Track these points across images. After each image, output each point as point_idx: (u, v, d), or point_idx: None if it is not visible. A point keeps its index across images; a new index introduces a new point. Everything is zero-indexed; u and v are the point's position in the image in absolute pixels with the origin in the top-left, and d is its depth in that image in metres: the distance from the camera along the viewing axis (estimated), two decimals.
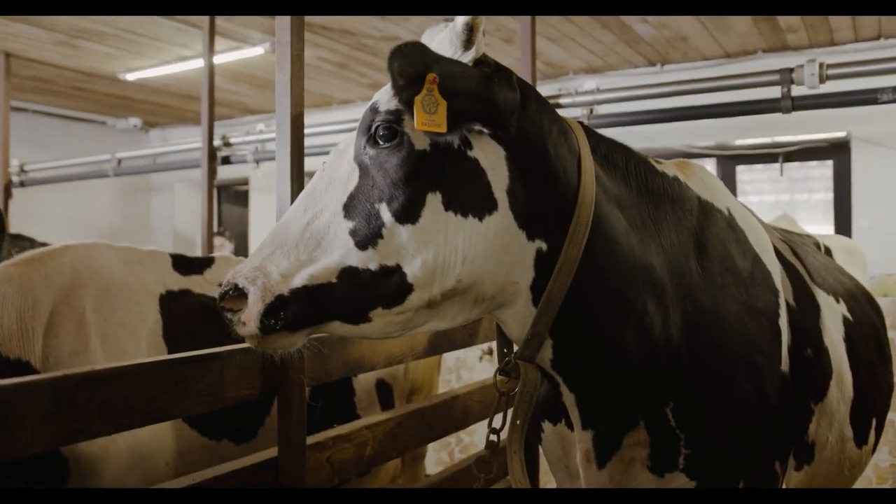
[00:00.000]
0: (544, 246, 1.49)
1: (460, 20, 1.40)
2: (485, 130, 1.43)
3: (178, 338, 2.29)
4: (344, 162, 1.49)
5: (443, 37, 1.48)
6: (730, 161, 5.52)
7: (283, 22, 1.69)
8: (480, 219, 1.42)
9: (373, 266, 1.38)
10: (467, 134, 1.42)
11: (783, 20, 4.41)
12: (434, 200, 1.40)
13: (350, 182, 1.45)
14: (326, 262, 1.38)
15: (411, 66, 1.33)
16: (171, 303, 2.38)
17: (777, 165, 5.29)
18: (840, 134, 4.94)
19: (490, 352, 6.18)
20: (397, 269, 1.38)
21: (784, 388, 1.81)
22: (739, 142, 5.35)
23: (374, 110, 1.45)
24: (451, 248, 1.40)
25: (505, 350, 1.70)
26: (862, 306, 2.48)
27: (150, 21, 4.56)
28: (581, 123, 1.71)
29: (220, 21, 4.54)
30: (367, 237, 1.38)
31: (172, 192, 8.72)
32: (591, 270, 1.52)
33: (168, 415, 1.41)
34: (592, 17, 4.45)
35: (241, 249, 8.51)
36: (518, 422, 1.54)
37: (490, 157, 1.44)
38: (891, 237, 4.67)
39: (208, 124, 4.11)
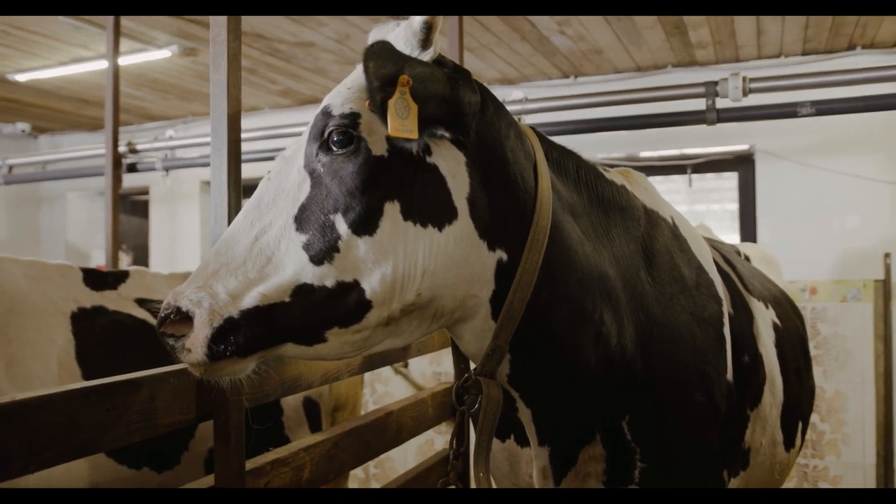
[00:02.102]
0: (505, 256, 1.43)
1: (418, 18, 1.33)
2: (446, 135, 1.36)
3: (93, 360, 2.11)
4: (292, 170, 1.38)
5: (396, 36, 1.40)
6: (640, 172, 5.65)
7: (219, 19, 1.57)
8: (440, 228, 1.35)
9: (329, 283, 1.27)
10: (427, 139, 1.35)
11: (694, 36, 4.55)
12: (392, 210, 1.32)
13: (301, 192, 1.34)
14: (279, 280, 1.27)
15: (385, 67, 1.24)
16: (84, 321, 2.19)
17: (686, 177, 5.46)
18: (744, 147, 5.14)
19: (406, 365, 6.11)
20: (355, 285, 1.29)
21: (730, 396, 1.82)
22: (646, 154, 5.50)
23: (326, 114, 1.35)
24: (411, 261, 1.32)
25: (462, 366, 1.63)
26: (787, 312, 2.56)
27: (47, 18, 4.26)
28: (533, 128, 1.67)
29: (125, 21, 4.29)
30: (323, 251, 1.28)
31: (64, 203, 8.21)
32: (550, 280, 1.47)
33: (97, 447, 1.26)
34: (511, 28, 4.47)
35: (141, 262, 8.11)
36: (483, 443, 1.47)
37: (450, 163, 1.38)
38: (792, 246, 4.90)
39: (113, 130, 3.86)
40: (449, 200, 1.36)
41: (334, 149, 1.32)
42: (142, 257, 8.19)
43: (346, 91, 1.37)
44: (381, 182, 1.31)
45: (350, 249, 1.28)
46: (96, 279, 2.36)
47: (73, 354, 2.10)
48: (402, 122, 1.25)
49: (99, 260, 8.48)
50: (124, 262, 8.18)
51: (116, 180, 3.90)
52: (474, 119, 1.40)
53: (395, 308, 1.33)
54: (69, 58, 5.24)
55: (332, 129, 1.32)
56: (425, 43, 1.35)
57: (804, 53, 4.98)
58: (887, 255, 4.71)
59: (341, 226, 1.29)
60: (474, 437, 1.52)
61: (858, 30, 4.50)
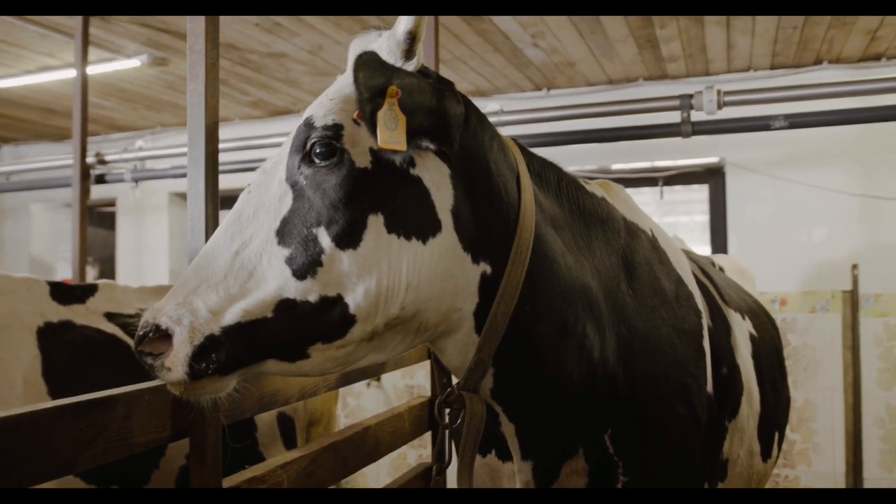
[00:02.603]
0: (489, 269, 1.41)
1: (401, 28, 1.31)
2: (431, 147, 1.34)
3: (60, 376, 2.05)
4: (273, 183, 1.35)
5: (379, 46, 1.38)
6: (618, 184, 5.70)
7: (197, 27, 1.54)
8: (424, 241, 1.33)
9: (312, 297, 1.24)
10: (412, 151, 1.33)
11: (665, 50, 4.60)
12: (376, 222, 1.29)
13: (283, 205, 1.31)
14: (261, 295, 1.23)
15: (375, 78, 1.22)
16: (51, 336, 2.13)
17: (657, 189, 5.50)
18: (714, 159, 5.20)
19: (378, 379, 6.06)
20: (339, 300, 1.26)
21: (711, 408, 1.82)
22: (618, 166, 5.54)
23: (309, 126, 1.32)
24: (395, 274, 1.30)
25: (444, 380, 1.61)
26: (763, 323, 2.57)
27: (12, 25, 4.17)
28: (514, 140, 1.66)
29: (94, 30, 4.22)
30: (306, 265, 1.25)
31: (28, 214, 8.04)
32: (533, 293, 1.46)
33: (74, 467, 1.21)
34: (485, 40, 4.48)
35: (107, 275, 7.96)
36: (467, 459, 1.45)
37: (434, 175, 1.36)
38: (762, 258, 4.96)
39: (81, 140, 3.78)
40: (433, 213, 1.34)
41: (317, 161, 1.29)
42: (108, 270, 8.04)
43: (328, 102, 1.35)
44: (364, 194, 1.29)
45: (333, 263, 1.26)
46: (63, 293, 2.30)
47: (38, 371, 2.04)
48: (390, 133, 1.23)
49: (64, 273, 8.31)
50: (90, 275, 8.02)
51: (84, 192, 3.82)
52: (459, 130, 1.38)
53: (378, 322, 1.30)
54: (35, 66, 5.14)
55: (314, 140, 1.30)
56: (409, 53, 1.33)
57: (773, 67, 5.06)
58: (855, 267, 4.79)
59: (324, 239, 1.26)
60: (455, 452, 1.50)
61: (825, 45, 4.59)
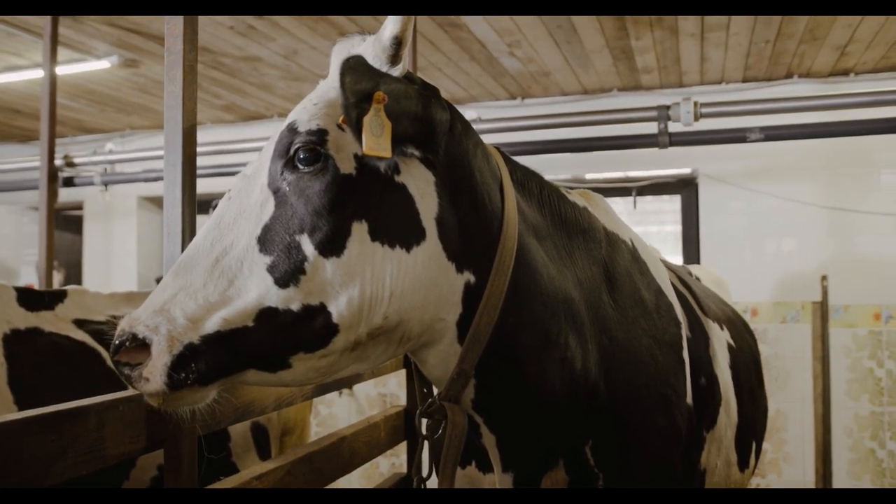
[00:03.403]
0: (472, 278, 1.40)
1: (387, 33, 1.29)
2: (416, 154, 1.32)
3: (27, 385, 1.99)
4: (255, 189, 1.32)
5: (363, 51, 1.36)
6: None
7: (175, 29, 1.51)
8: (408, 250, 1.31)
9: (295, 306, 1.22)
10: (397, 158, 1.31)
11: (640, 61, 4.64)
12: (360, 230, 1.27)
13: (264, 211, 1.28)
14: (242, 304, 1.20)
15: (361, 83, 1.20)
16: (18, 344, 2.06)
17: (630, 199, 5.54)
18: (687, 170, 5.25)
19: (350, 387, 6.01)
20: (322, 308, 1.23)
21: (690, 419, 1.82)
22: (591, 176, 5.57)
23: (292, 131, 1.30)
24: (378, 283, 1.27)
25: (425, 390, 1.59)
26: (741, 332, 2.59)
27: None
28: (497, 148, 1.65)
29: (63, 29, 4.14)
30: (288, 273, 1.22)
31: None
32: (516, 303, 1.45)
33: (43, 481, 1.17)
34: (461, 48, 4.47)
35: (74, 280, 7.81)
36: (448, 470, 1.42)
37: (419, 182, 1.34)
38: (734, 268, 5.01)
39: (49, 142, 3.70)
40: (417, 221, 1.33)
41: (301, 166, 1.27)
42: (75, 275, 7.89)
43: (312, 107, 1.32)
44: (349, 201, 1.27)
45: (316, 271, 1.23)
46: (31, 299, 2.24)
47: (4, 379, 1.97)
48: (376, 140, 1.21)
49: (29, 277, 8.14)
50: (56, 280, 7.87)
51: (52, 195, 3.73)
52: (444, 138, 1.37)
53: (362, 332, 1.28)
54: (2, 66, 5.03)
55: (298, 145, 1.27)
56: (395, 58, 1.31)
57: (744, 80, 5.13)
58: (824, 278, 4.86)
59: (307, 247, 1.24)
60: (428, 463, 1.48)
61: (796, 59, 4.66)
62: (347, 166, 1.28)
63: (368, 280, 1.26)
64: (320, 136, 1.27)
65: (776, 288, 5.00)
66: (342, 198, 1.26)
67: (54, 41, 3.74)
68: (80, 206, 7.44)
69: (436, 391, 1.53)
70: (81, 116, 6.52)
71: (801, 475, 4.86)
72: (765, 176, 5.03)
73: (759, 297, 5.02)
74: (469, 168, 1.43)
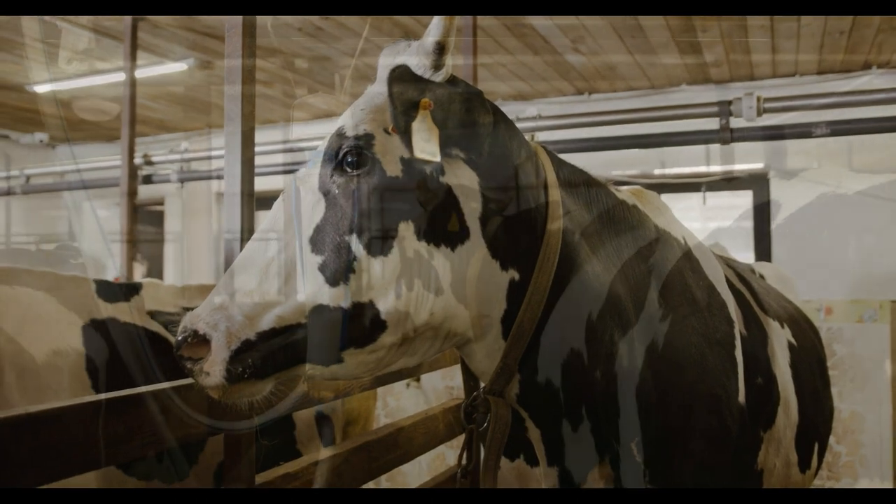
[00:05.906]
0: (517, 276, 1.43)
1: (430, 40, 1.34)
2: (461, 155, 1.37)
3: (102, 371, 2.12)
4: (306, 191, 1.40)
5: (408, 57, 1.41)
6: (654, 190, 5.64)
7: (234, 34, 1.59)
8: (453, 248, 1.35)
9: (345, 303, 1.28)
10: (442, 159, 1.36)
11: (709, 54, 4.55)
12: (407, 230, 1.32)
13: (315, 213, 1.35)
14: (295, 301, 1.27)
15: (408, 92, 1.26)
16: (96, 332, 2.20)
17: (700, 194, 5.43)
18: (759, 165, 5.12)
19: (418, 379, 6.09)
20: (370, 306, 1.29)
21: (742, 419, 1.80)
22: (660, 171, 5.48)
23: (340, 136, 1.36)
24: (425, 281, 1.32)
25: (472, 384, 1.63)
26: (804, 331, 2.53)
27: (68, 31, 4.31)
28: (543, 146, 1.67)
29: (142, 34, 4.34)
30: (338, 272, 1.28)
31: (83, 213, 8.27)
32: (560, 300, 1.47)
33: (112, 460, 1.27)
34: (525, 44, 4.48)
35: (155, 272, 8.15)
36: (491, 462, 1.46)
37: (463, 183, 1.38)
38: (807, 265, 4.86)
39: (129, 140, 3.90)
40: (462, 220, 1.37)
41: (349, 170, 1.33)
42: (156, 267, 8.23)
43: (359, 112, 1.38)
44: (395, 203, 1.32)
45: (365, 270, 1.29)
46: (109, 291, 2.38)
47: (83, 365, 2.11)
48: (424, 144, 1.26)
49: (117, 271, 8.51)
50: (139, 272, 8.22)
51: (132, 191, 3.93)
52: (488, 140, 1.40)
53: (408, 328, 1.33)
54: (88, 69, 5.30)
55: (346, 150, 1.33)
56: (438, 64, 1.36)
57: (819, 73, 4.96)
58: None
59: (356, 246, 1.30)
60: (473, 455, 1.52)
61: (874, 50, 4.48)
62: (394, 169, 1.33)
63: (415, 279, 1.31)
64: (367, 140, 1.33)
65: (852, 286, 4.83)
66: (389, 199, 1.32)
67: (134, 45, 3.93)
68: (161, 202, 7.76)
69: (482, 385, 1.57)
70: (162, 116, 6.81)
71: (878, 479, 4.69)
72: (840, 171, 4.86)
73: (834, 295, 4.86)
74: (512, 168, 1.46)
